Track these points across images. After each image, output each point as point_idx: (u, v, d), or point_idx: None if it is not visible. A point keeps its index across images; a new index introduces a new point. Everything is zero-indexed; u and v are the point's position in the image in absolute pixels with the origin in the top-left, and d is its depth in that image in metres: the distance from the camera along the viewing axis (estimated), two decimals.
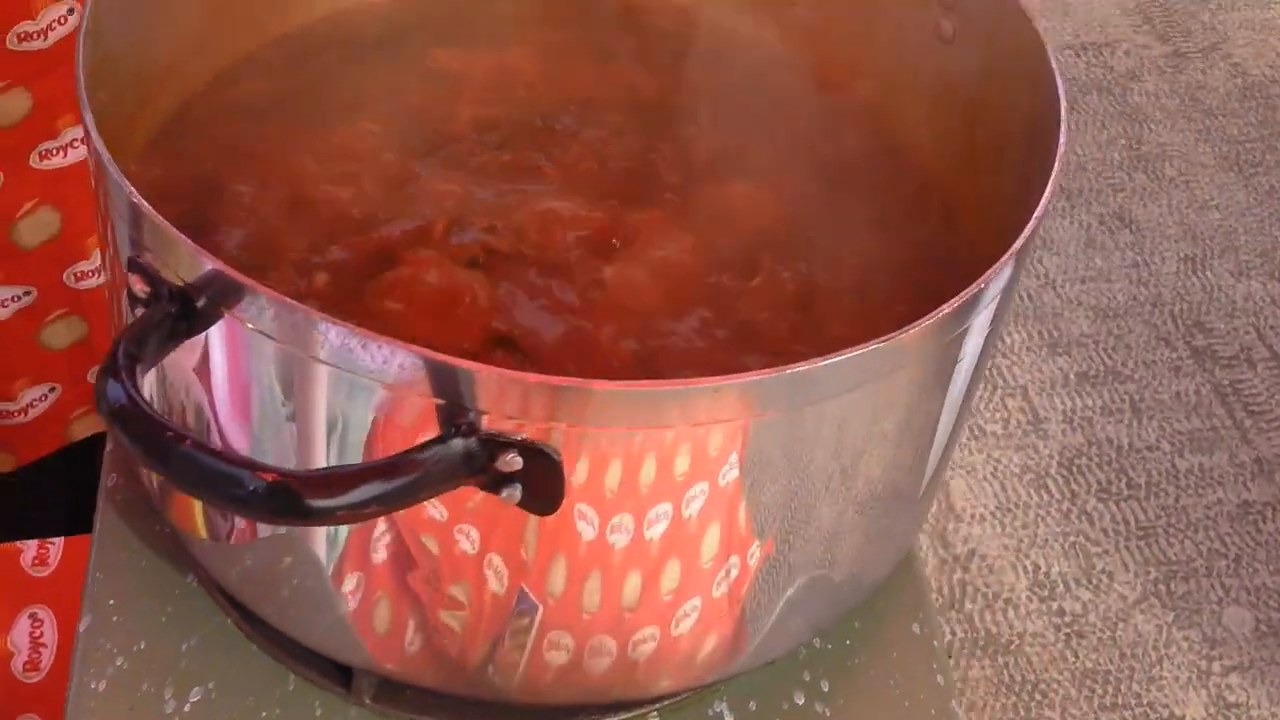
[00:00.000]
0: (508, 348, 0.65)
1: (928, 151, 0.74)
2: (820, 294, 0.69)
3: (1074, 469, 2.05)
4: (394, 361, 0.52)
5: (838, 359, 0.54)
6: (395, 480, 0.52)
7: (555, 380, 0.52)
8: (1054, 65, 0.64)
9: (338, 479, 0.51)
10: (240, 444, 0.57)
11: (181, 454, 0.50)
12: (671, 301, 0.67)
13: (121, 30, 0.64)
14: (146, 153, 0.69)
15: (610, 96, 0.76)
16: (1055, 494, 2.03)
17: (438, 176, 0.71)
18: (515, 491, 0.55)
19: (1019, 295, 2.25)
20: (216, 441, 0.57)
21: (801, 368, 0.53)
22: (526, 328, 0.65)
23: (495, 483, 0.54)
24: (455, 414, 0.53)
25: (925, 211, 0.72)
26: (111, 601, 0.69)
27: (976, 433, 2.08)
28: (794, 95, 0.77)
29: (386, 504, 0.52)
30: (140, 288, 0.55)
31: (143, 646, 0.68)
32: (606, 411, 0.53)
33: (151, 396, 0.60)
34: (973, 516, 1.99)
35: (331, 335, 0.52)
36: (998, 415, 2.10)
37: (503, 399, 0.52)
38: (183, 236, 0.53)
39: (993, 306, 0.61)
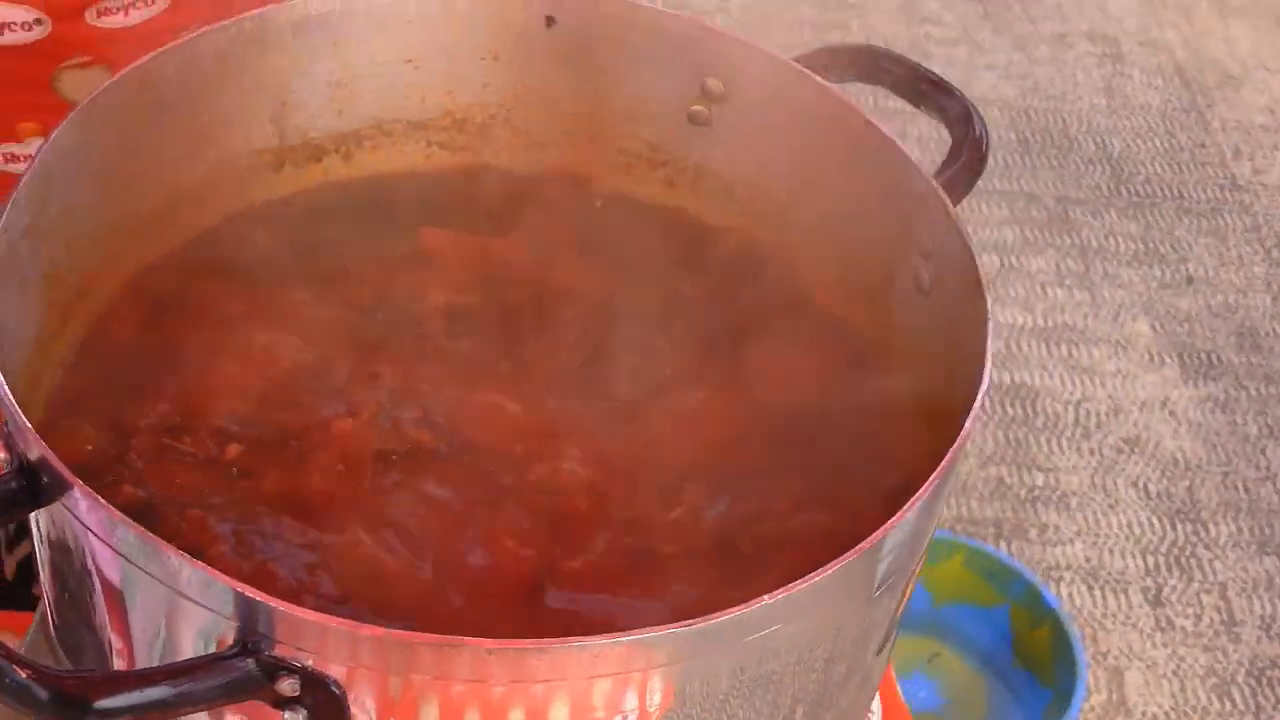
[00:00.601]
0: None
1: (904, 406, 0.72)
2: (736, 537, 0.66)
3: (1264, 681, 1.93)
4: (182, 574, 0.53)
5: (659, 634, 0.52)
6: (162, 689, 0.52)
7: (325, 620, 0.52)
8: (988, 351, 0.61)
9: (99, 683, 0.52)
10: (59, 629, 0.59)
11: None
12: (578, 526, 0.66)
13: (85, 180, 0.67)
14: (116, 298, 0.72)
15: (589, 295, 0.75)
16: (1239, 704, 1.92)
17: (387, 360, 0.71)
18: (299, 715, 0.54)
19: (1235, 486, 2.14)
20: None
21: (601, 642, 0.52)
22: (413, 532, 0.65)
23: (279, 703, 0.54)
24: (245, 631, 0.53)
25: (886, 465, 0.69)
26: None
27: (1163, 624, 1.98)
28: (777, 314, 0.75)
29: (148, 712, 0.52)
30: (1, 454, 0.57)
31: None
32: (379, 656, 0.53)
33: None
34: (1144, 714, 1.90)
35: (130, 538, 0.53)
36: (1190, 610, 2.00)
37: (277, 627, 0.52)
38: (20, 415, 0.55)
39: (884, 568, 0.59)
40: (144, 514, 0.64)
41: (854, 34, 2.95)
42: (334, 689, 0.54)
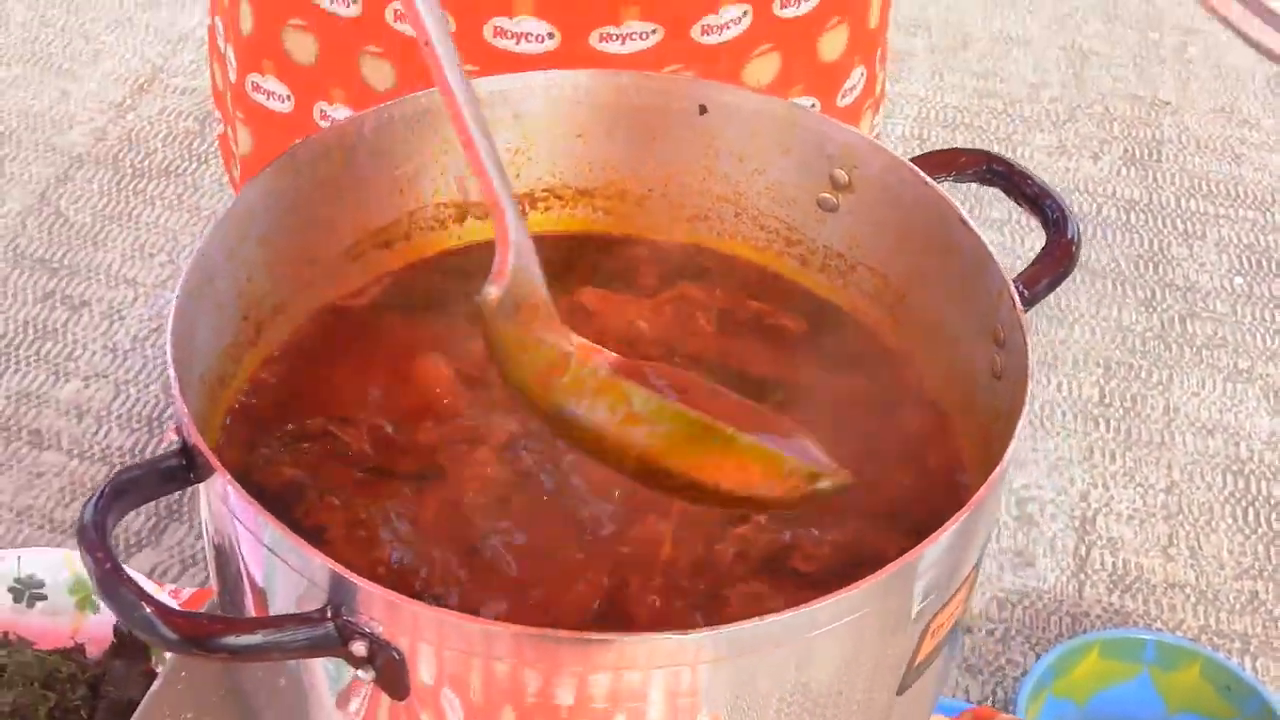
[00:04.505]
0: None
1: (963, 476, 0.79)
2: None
3: None
4: (283, 546, 0.66)
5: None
6: (258, 636, 0.65)
7: (386, 594, 0.63)
8: (1015, 433, 0.69)
9: (207, 624, 0.65)
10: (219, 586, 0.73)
11: (103, 575, 0.65)
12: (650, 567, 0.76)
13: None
14: (308, 317, 0.86)
15: (714, 360, 0.86)
16: None
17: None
18: (369, 673, 0.66)
19: None
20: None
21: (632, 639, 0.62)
22: (517, 540, 0.76)
23: (354, 661, 0.66)
24: (330, 598, 0.65)
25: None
26: None
27: None
28: (880, 390, 0.84)
29: (245, 653, 0.65)
30: (172, 435, 0.71)
31: None
32: (432, 631, 0.64)
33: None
34: None
35: (250, 514, 0.66)
36: None
37: (352, 598, 0.64)
38: (184, 408, 0.69)
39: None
40: (289, 492, 0.77)
41: (1166, 131, 2.94)
42: (395, 654, 0.65)
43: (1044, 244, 0.81)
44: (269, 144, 1.18)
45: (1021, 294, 0.78)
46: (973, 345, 0.80)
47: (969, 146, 0.77)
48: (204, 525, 0.75)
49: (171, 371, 0.71)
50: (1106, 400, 2.45)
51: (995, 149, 2.83)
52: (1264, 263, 2.67)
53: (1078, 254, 0.80)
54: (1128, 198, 2.81)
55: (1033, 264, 0.80)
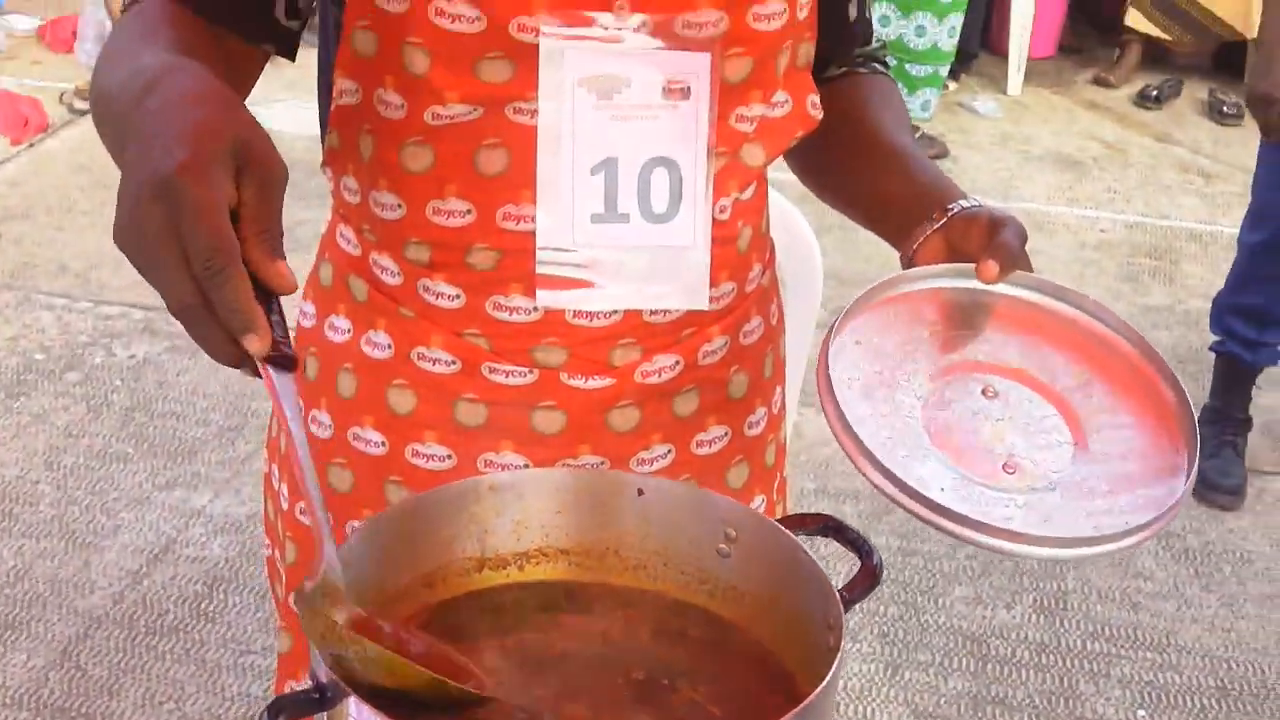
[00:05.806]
0: None
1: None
2: None
3: None
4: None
5: None
6: None
7: None
8: (832, 668, 1.22)
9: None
10: None
11: None
12: None
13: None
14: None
15: (645, 653, 1.38)
16: None
17: (528, 671, 1.35)
18: None
19: None
20: None
21: None
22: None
23: None
24: None
25: None
26: None
27: None
28: (748, 665, 1.37)
29: None
30: (308, 680, 1.23)
31: None
32: None
33: None
34: None
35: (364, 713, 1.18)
36: None
37: None
38: (325, 667, 1.21)
39: None
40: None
41: (1070, 584, 3.53)
42: None
43: (859, 568, 1.36)
44: (308, 555, 1.74)
45: (844, 598, 1.32)
46: (816, 632, 1.34)
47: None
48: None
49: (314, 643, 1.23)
50: None
51: (919, 600, 3.40)
52: (1163, 696, 3.21)
53: (880, 573, 1.35)
54: (1038, 641, 3.37)
55: (850, 581, 1.35)
